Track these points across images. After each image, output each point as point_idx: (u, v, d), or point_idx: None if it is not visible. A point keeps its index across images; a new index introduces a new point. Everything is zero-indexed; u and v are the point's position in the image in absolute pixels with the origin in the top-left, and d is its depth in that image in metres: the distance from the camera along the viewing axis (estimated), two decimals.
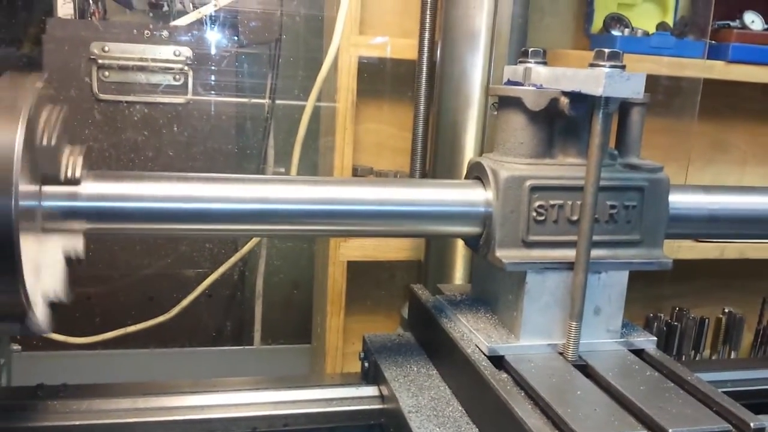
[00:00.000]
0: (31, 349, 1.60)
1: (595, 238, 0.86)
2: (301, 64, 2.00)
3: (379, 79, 1.64)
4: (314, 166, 1.86)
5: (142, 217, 0.80)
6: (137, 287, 1.92)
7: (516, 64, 0.95)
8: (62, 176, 0.77)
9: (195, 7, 2.01)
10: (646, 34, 1.72)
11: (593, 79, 0.79)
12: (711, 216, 0.98)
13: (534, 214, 0.88)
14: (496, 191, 0.88)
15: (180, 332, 1.89)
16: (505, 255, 0.87)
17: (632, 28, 1.73)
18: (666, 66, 1.69)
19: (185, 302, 1.69)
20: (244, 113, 2.03)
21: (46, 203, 0.76)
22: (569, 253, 0.87)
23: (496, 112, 0.94)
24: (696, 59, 1.72)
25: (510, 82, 0.97)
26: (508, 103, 0.90)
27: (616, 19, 1.74)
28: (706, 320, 1.93)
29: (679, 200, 0.97)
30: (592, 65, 0.81)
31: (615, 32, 1.72)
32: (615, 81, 0.78)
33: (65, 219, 0.78)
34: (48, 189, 0.76)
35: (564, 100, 0.87)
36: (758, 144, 2.09)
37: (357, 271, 1.71)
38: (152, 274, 1.92)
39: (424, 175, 1.41)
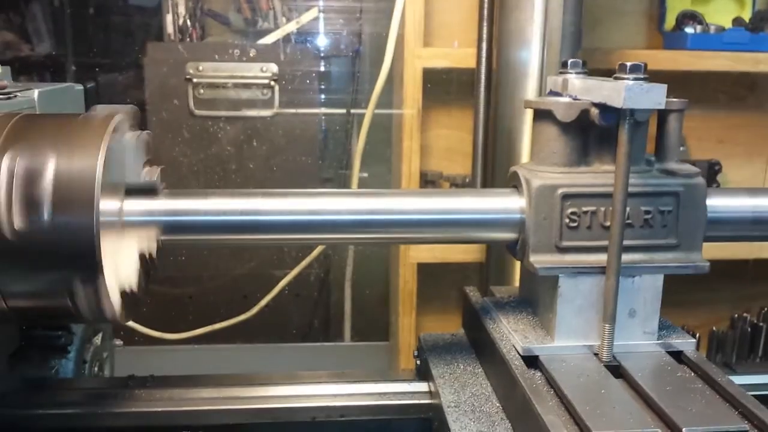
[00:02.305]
0: (132, 344, 1.78)
1: (630, 242, 0.90)
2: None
3: (446, 86, 1.71)
4: (389, 172, 1.95)
5: (207, 230, 0.91)
6: (232, 287, 2.08)
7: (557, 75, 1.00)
8: (142, 190, 0.89)
9: (288, 20, 2.15)
10: (720, 29, 1.69)
11: (615, 91, 0.83)
12: (755, 218, 0.99)
13: (567, 220, 0.92)
14: (529, 199, 0.93)
15: (268, 329, 2.04)
16: (538, 260, 0.92)
17: (705, 24, 1.70)
18: (740, 61, 1.66)
19: (264, 301, 1.82)
20: (327, 123, 2.15)
21: (127, 218, 0.88)
22: (602, 258, 0.90)
23: None
24: None
25: (552, 93, 1.01)
26: (540, 114, 0.95)
27: (689, 16, 1.72)
28: None
29: (721, 204, 0.98)
30: (615, 77, 0.85)
31: (687, 29, 1.70)
32: (635, 93, 0.81)
33: (142, 228, 0.90)
34: (128, 202, 0.89)
35: (594, 111, 0.91)
36: None
37: (432, 272, 1.79)
38: (246, 274, 2.08)
39: (485, 181, 1.46)
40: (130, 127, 0.91)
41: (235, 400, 1.05)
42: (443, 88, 1.71)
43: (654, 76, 1.79)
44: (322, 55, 2.08)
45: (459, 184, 1.70)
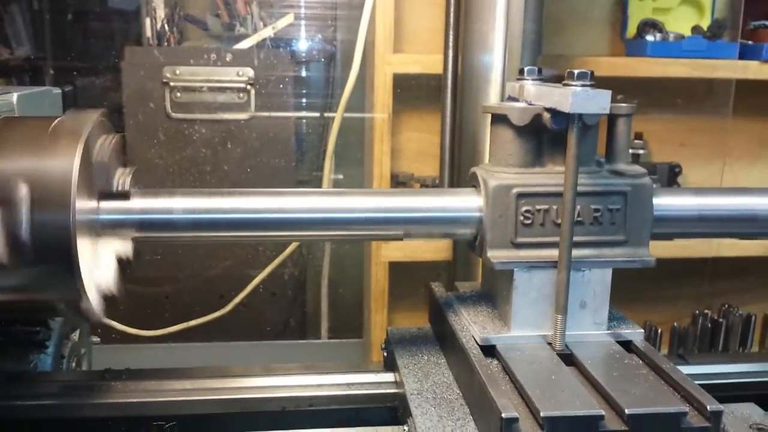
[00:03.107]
0: (110, 341, 1.82)
1: (580, 238, 0.96)
2: (357, 81, 2.15)
3: (416, 90, 1.77)
4: (363, 174, 2.00)
5: (179, 227, 0.96)
6: (209, 286, 2.12)
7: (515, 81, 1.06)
8: (115, 186, 0.93)
9: (265, 25, 2.20)
10: (679, 37, 1.77)
11: (564, 97, 0.89)
12: (701, 216, 1.05)
13: (521, 218, 0.97)
14: (486, 198, 0.98)
15: (245, 327, 2.08)
16: (495, 255, 0.97)
17: (665, 32, 1.77)
18: (698, 68, 1.73)
19: (238, 298, 1.86)
20: (301, 126, 2.19)
21: (101, 216, 0.92)
22: (554, 253, 0.96)
23: None
24: (728, 60, 1.75)
25: (510, 98, 1.07)
26: (497, 119, 1.01)
27: (649, 24, 1.79)
28: (753, 317, 1.94)
29: (667, 202, 1.04)
30: (564, 84, 0.91)
31: (648, 37, 1.77)
32: (581, 99, 0.87)
33: (116, 228, 0.94)
34: (103, 203, 0.93)
35: (546, 116, 0.96)
36: None
37: (404, 271, 1.84)
38: (222, 274, 2.12)
39: (451, 181, 1.51)
40: (102, 131, 0.95)
41: (207, 391, 1.09)
42: (413, 92, 1.77)
43: (616, 82, 1.87)
44: (297, 60, 2.13)
45: (429, 185, 1.76)
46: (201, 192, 0.97)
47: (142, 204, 0.95)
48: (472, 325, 1.02)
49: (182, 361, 1.97)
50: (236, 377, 1.12)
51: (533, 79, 1.04)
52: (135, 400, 1.05)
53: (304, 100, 2.13)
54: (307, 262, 2.20)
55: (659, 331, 1.92)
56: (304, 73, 2.14)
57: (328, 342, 2.26)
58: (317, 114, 2.11)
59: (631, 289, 1.99)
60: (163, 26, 2.20)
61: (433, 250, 1.70)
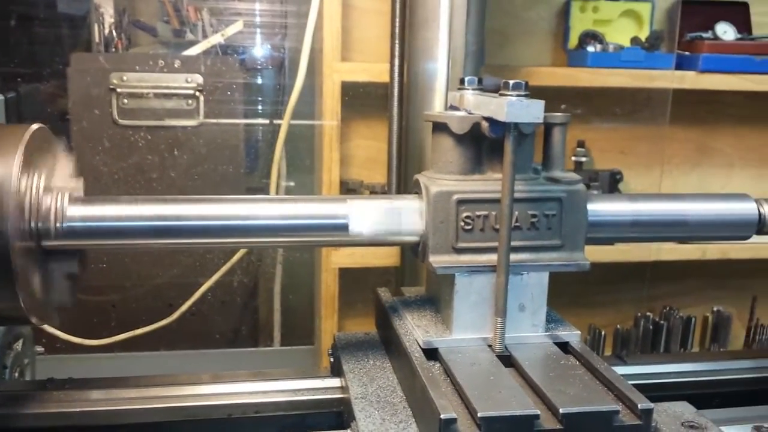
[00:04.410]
0: (54, 351, 1.79)
1: (518, 243, 0.99)
2: (304, 88, 2.16)
3: (365, 98, 1.79)
4: (312, 182, 2.01)
5: (123, 235, 0.95)
6: (157, 294, 2.10)
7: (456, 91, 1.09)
8: (53, 210, 0.93)
9: (215, 32, 2.19)
10: (618, 48, 1.83)
11: (500, 107, 0.91)
12: (634, 221, 1.09)
13: (462, 223, 1.00)
14: (428, 205, 1.00)
15: (194, 336, 2.06)
16: (437, 260, 1.00)
17: (605, 43, 1.83)
18: (637, 78, 1.79)
19: (185, 306, 1.85)
20: (252, 133, 2.19)
21: (42, 225, 0.92)
22: (494, 257, 0.99)
23: None
24: (666, 70, 1.81)
25: (452, 107, 1.10)
26: (438, 127, 1.03)
27: (590, 35, 1.85)
28: (693, 319, 2.01)
29: (602, 208, 1.07)
30: (501, 94, 0.94)
31: (589, 48, 1.82)
32: (516, 108, 0.90)
33: (59, 241, 0.93)
34: (43, 216, 0.92)
35: (485, 124, 0.99)
36: (744, 148, 2.16)
37: (355, 277, 1.86)
38: (171, 282, 2.10)
39: (399, 188, 1.54)
40: (42, 142, 0.94)
41: (152, 399, 1.08)
42: (362, 100, 1.79)
43: (558, 92, 1.93)
44: (247, 67, 2.13)
45: (378, 192, 1.78)
46: (145, 199, 0.97)
47: (84, 213, 0.95)
48: (415, 329, 1.04)
49: (129, 371, 1.94)
50: (182, 385, 1.12)
51: (473, 89, 1.07)
52: (78, 409, 1.04)
53: (253, 107, 2.13)
54: (258, 269, 2.20)
55: (603, 333, 1.97)
56: (253, 80, 2.14)
57: (280, 349, 2.25)
58: (267, 121, 2.11)
59: (575, 293, 2.06)
60: (111, 32, 2.18)
61: (382, 255, 1.72)
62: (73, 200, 0.95)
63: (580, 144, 1.94)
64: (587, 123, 1.98)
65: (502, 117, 0.90)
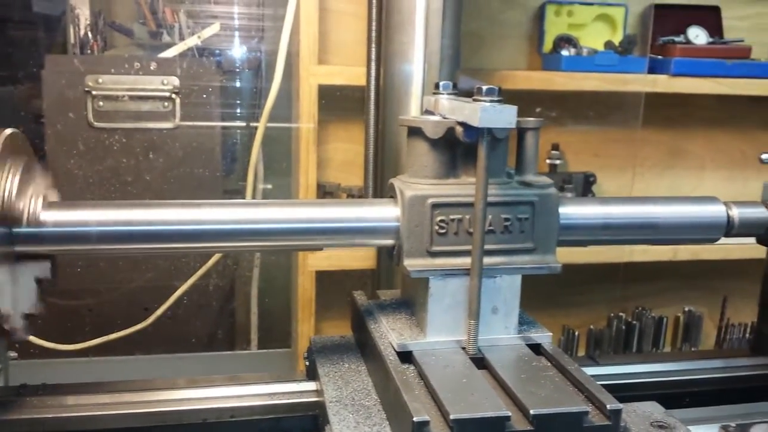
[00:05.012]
0: (28, 356, 1.77)
1: (491, 246, 1.00)
2: (282, 91, 2.16)
3: (342, 102, 1.79)
4: (290, 185, 2.01)
5: (96, 241, 0.95)
6: (133, 299, 2.08)
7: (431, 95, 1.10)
8: (26, 214, 0.92)
9: (193, 34, 2.18)
10: (592, 52, 1.85)
11: (473, 112, 0.93)
12: (605, 224, 1.11)
13: (436, 227, 1.01)
14: (403, 208, 1.01)
15: (171, 340, 2.05)
16: (411, 264, 1.00)
17: (579, 47, 1.85)
18: (610, 82, 1.82)
19: (160, 311, 1.85)
20: (229, 136, 2.19)
21: (15, 241, 0.91)
22: (468, 261, 1.00)
23: None
24: (639, 74, 1.84)
25: (427, 111, 1.11)
26: (412, 132, 1.04)
27: (564, 39, 1.87)
28: (664, 319, 2.04)
29: (573, 212, 1.09)
30: (474, 99, 0.95)
31: (563, 52, 1.84)
32: (489, 113, 0.91)
33: (31, 245, 0.93)
34: (15, 228, 0.92)
35: (459, 129, 1.00)
36: (715, 150, 2.20)
37: (332, 280, 1.86)
38: (147, 286, 2.09)
39: (375, 192, 1.54)
40: (13, 149, 0.94)
41: (127, 405, 1.08)
42: (340, 103, 1.79)
43: (533, 95, 1.95)
44: (224, 69, 2.13)
45: (355, 195, 1.78)
46: (118, 204, 0.97)
47: (57, 218, 0.95)
48: (390, 332, 1.04)
49: (104, 376, 1.93)
50: (156, 390, 1.11)
51: (448, 94, 1.08)
52: (51, 415, 1.03)
53: (230, 110, 2.13)
54: (234, 272, 2.19)
55: (576, 333, 2.00)
56: (230, 83, 2.14)
57: (257, 352, 2.25)
58: (243, 124, 2.11)
59: (550, 294, 2.08)
60: (86, 34, 2.16)
61: (359, 258, 1.72)
62: (47, 205, 0.95)
63: (555, 147, 1.96)
64: (562, 126, 2.01)
65: (475, 122, 0.91)
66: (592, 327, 2.03)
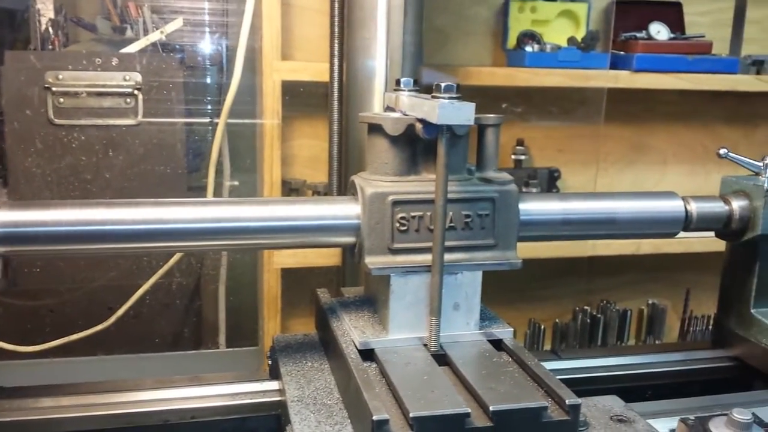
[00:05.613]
0: None
1: (452, 243, 1.00)
2: (246, 87, 2.14)
3: (306, 98, 1.78)
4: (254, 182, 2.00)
5: (50, 241, 0.93)
6: (96, 298, 2.05)
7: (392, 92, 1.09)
8: None
9: (157, 28, 2.15)
10: (556, 48, 1.86)
11: (432, 109, 0.92)
12: (564, 220, 1.12)
13: (397, 224, 1.01)
14: (363, 206, 1.01)
15: (135, 340, 2.03)
16: (372, 261, 1.00)
17: (543, 44, 1.86)
18: (573, 78, 1.83)
19: (122, 310, 1.82)
20: (193, 132, 2.16)
21: None
22: (429, 258, 1.00)
23: None
24: (601, 70, 1.86)
25: (388, 108, 1.11)
26: (373, 128, 1.04)
27: (528, 36, 1.88)
28: (628, 312, 2.07)
29: (533, 208, 1.10)
30: (433, 96, 0.95)
31: (527, 48, 1.85)
32: (447, 110, 0.91)
33: None
34: None
35: (419, 126, 1.00)
36: (677, 144, 2.23)
37: (298, 277, 1.85)
38: (109, 286, 2.06)
39: (340, 188, 1.54)
40: None
41: (88, 407, 1.07)
42: (304, 99, 1.78)
43: (498, 91, 1.95)
44: (187, 65, 2.10)
45: (321, 192, 1.77)
46: (74, 203, 0.95)
47: (9, 218, 0.93)
48: (352, 330, 1.04)
49: (66, 378, 1.90)
50: (117, 392, 1.10)
51: (409, 90, 1.08)
52: (10, 419, 1.02)
53: (193, 106, 2.10)
54: (200, 270, 2.17)
55: (543, 327, 2.02)
56: (193, 79, 2.11)
57: (224, 351, 2.23)
58: (207, 120, 2.09)
59: (516, 289, 2.09)
60: (47, 29, 2.12)
61: (324, 255, 1.72)
62: (2, 205, 0.93)
63: (520, 142, 1.97)
64: (526, 122, 2.02)
65: (434, 119, 0.91)
66: (558, 321, 2.04)
